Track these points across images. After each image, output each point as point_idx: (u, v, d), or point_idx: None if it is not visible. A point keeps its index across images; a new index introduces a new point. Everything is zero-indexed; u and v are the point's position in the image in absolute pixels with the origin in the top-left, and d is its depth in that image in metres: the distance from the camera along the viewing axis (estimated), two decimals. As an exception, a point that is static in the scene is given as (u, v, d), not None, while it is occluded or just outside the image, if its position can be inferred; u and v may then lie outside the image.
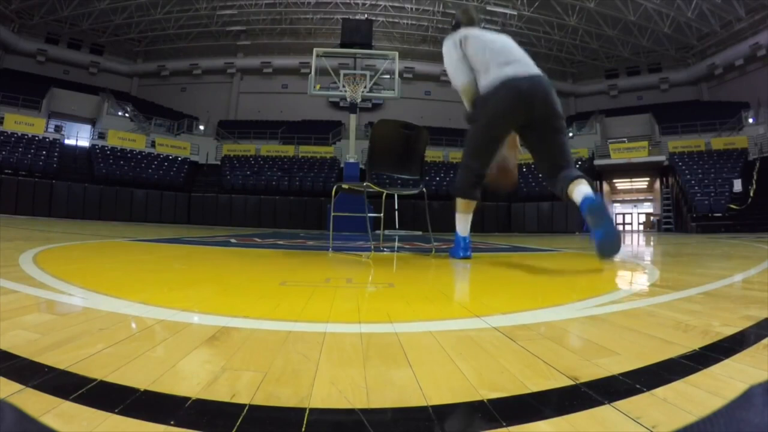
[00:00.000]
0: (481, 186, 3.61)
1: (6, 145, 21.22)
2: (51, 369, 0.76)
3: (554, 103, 3.29)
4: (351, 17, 26.91)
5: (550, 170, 3.33)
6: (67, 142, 24.62)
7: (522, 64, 3.37)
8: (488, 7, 29.41)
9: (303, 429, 0.58)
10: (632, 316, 1.34)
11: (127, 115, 28.83)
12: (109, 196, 21.67)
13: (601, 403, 0.65)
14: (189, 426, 0.57)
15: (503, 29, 30.75)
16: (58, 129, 24.93)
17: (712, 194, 21.35)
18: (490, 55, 3.41)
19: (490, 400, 0.67)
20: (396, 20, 31.95)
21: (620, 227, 32.14)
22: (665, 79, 32.30)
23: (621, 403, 0.65)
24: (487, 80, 3.34)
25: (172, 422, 0.58)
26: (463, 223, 3.71)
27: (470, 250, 3.65)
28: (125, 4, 29.73)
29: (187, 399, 0.65)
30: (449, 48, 3.70)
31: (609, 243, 2.72)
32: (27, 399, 0.63)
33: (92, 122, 27.51)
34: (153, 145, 26.46)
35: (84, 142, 25.30)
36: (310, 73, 18.19)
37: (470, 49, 3.54)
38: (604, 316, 1.32)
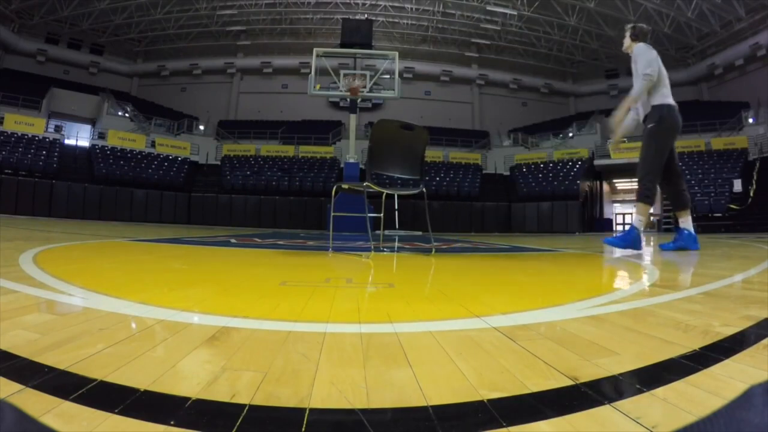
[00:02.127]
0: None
1: (6, 145, 21.23)
2: (51, 369, 0.75)
3: None
4: (351, 17, 26.88)
5: (670, 179, 4.82)
6: (67, 142, 24.68)
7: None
8: (488, 7, 29.41)
9: (303, 429, 0.58)
10: (632, 316, 1.34)
11: (127, 115, 28.83)
12: (109, 196, 21.71)
13: (601, 403, 0.65)
14: (189, 426, 0.57)
15: (503, 29, 30.81)
16: (58, 129, 24.97)
17: (712, 194, 21.34)
18: (665, 78, 4.71)
19: (490, 400, 0.67)
20: (396, 20, 31.95)
21: (620, 227, 32.16)
22: (666, 79, 32.16)
23: (621, 403, 0.65)
24: (662, 98, 4.56)
25: (172, 422, 0.58)
26: (641, 223, 4.82)
27: (640, 243, 4.72)
28: (125, 4, 29.71)
29: (187, 399, 0.65)
30: (651, 53, 4.79)
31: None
32: (27, 399, 0.63)
33: (92, 122, 27.52)
34: (153, 145, 26.49)
35: (84, 142, 25.34)
36: (310, 73, 18.19)
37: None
38: (604, 316, 1.32)
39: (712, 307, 1.48)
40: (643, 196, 4.63)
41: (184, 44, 34.11)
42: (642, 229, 4.56)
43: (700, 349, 0.95)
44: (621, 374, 0.78)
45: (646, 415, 0.61)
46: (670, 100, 4.58)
